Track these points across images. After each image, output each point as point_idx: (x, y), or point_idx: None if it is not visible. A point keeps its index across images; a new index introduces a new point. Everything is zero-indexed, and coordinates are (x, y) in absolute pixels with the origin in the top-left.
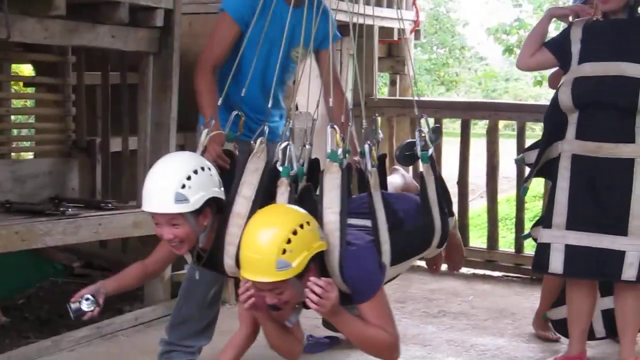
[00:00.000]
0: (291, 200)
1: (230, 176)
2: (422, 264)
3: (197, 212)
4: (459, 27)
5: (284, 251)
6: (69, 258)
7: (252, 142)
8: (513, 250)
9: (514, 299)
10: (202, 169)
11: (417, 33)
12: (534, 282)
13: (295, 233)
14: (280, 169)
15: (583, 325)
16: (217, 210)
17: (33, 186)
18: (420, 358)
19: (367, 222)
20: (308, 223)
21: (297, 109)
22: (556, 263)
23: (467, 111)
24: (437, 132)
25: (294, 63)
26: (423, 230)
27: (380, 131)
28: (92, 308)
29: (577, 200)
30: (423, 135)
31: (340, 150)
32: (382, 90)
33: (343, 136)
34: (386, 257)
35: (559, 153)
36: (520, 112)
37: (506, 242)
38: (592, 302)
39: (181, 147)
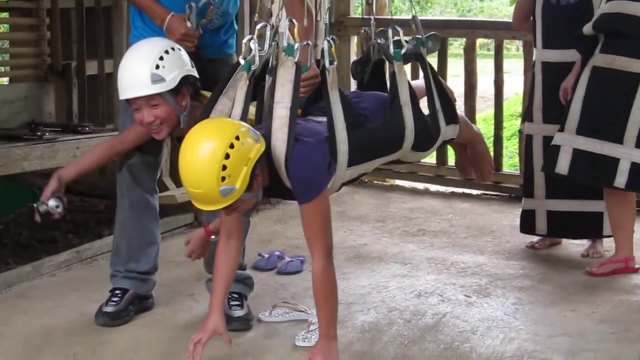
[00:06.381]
0: (248, 96)
1: None
2: (401, 183)
3: (175, 92)
4: None
5: (223, 178)
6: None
7: None
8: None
9: (493, 216)
10: (173, 49)
11: None
12: (513, 200)
13: (227, 157)
14: (242, 62)
15: (627, 231)
16: (193, 92)
17: (9, 112)
18: (401, 276)
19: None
20: (237, 137)
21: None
22: (563, 164)
23: (444, 29)
24: (434, 39)
25: None
26: (389, 129)
27: (377, 38)
28: (59, 210)
29: (589, 108)
30: (396, 32)
31: (297, 45)
32: (357, 10)
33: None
34: (343, 157)
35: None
36: (497, 30)
37: None
38: (631, 206)
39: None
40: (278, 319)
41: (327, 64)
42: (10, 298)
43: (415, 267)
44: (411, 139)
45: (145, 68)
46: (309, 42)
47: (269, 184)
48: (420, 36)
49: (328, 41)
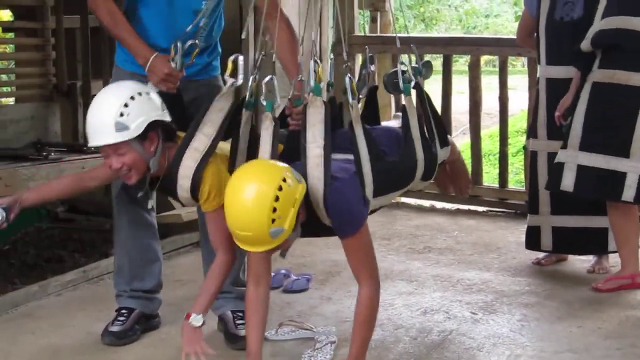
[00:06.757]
0: (276, 135)
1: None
2: (407, 200)
3: (142, 138)
4: None
5: (273, 220)
6: (53, 203)
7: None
8: (497, 185)
9: (498, 233)
10: (140, 94)
11: None
12: (519, 216)
13: (277, 199)
14: (264, 102)
15: (632, 246)
16: (166, 135)
17: (15, 131)
18: (407, 294)
19: (350, 156)
20: (284, 179)
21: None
22: (567, 181)
23: (448, 47)
24: (427, 66)
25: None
26: (404, 162)
27: (370, 66)
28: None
29: (591, 124)
30: (405, 67)
31: (323, 84)
32: (362, 27)
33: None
34: (369, 189)
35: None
36: (501, 47)
37: (490, 177)
38: (634, 221)
39: None
40: (284, 338)
41: (350, 100)
42: (17, 317)
43: (421, 285)
44: (422, 170)
45: (109, 116)
46: (302, 77)
47: (305, 221)
48: (417, 65)
49: (349, 78)
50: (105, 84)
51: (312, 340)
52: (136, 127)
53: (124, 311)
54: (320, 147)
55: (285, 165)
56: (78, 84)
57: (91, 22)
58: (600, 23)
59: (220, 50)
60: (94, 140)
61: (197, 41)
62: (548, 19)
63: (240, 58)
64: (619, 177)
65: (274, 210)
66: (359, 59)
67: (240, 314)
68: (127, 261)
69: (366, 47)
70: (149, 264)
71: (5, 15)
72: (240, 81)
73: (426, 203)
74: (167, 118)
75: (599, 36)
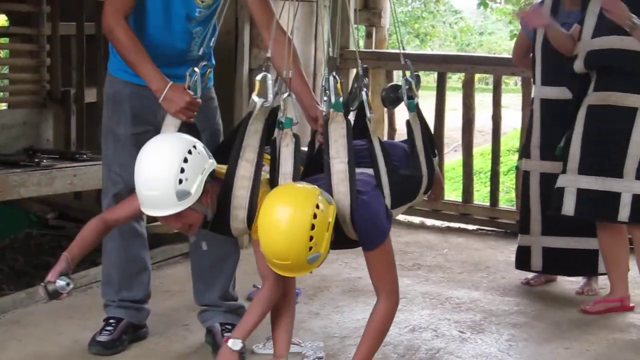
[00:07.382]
0: (297, 152)
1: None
2: (397, 217)
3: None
4: None
5: (310, 248)
6: (43, 209)
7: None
8: (488, 204)
9: (488, 252)
10: (190, 152)
11: None
12: (509, 236)
13: (313, 227)
14: (283, 119)
15: (621, 269)
16: (212, 176)
17: (7, 137)
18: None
19: (365, 169)
20: (317, 205)
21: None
22: (568, 205)
23: (443, 64)
24: (417, 80)
25: (199, 7)
26: (413, 177)
27: (364, 79)
28: (68, 289)
29: (588, 147)
30: (408, 82)
31: (341, 99)
32: (360, 42)
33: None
34: (387, 201)
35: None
36: (496, 66)
37: (480, 195)
38: (624, 243)
39: None
40: (272, 351)
41: (368, 114)
42: (5, 324)
43: (409, 302)
44: (425, 183)
45: (169, 184)
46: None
47: None
48: (412, 79)
49: (365, 92)
50: (100, 91)
51: (300, 355)
52: (197, 188)
53: (112, 321)
54: (345, 162)
55: (316, 187)
56: (72, 92)
57: (87, 29)
58: (592, 43)
59: (214, 61)
60: (155, 212)
61: (207, 62)
62: (545, 40)
63: (269, 77)
64: (615, 198)
65: (311, 238)
66: (353, 73)
67: (229, 327)
68: (115, 271)
69: (360, 60)
70: (138, 273)
71: (1, 20)
72: (270, 101)
73: (416, 220)
74: (215, 163)
75: (593, 57)
